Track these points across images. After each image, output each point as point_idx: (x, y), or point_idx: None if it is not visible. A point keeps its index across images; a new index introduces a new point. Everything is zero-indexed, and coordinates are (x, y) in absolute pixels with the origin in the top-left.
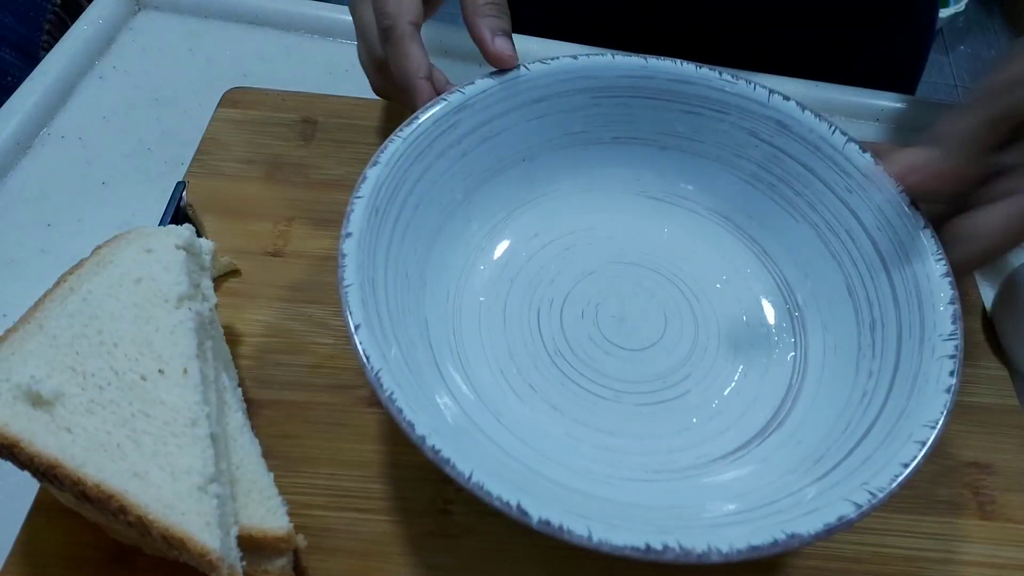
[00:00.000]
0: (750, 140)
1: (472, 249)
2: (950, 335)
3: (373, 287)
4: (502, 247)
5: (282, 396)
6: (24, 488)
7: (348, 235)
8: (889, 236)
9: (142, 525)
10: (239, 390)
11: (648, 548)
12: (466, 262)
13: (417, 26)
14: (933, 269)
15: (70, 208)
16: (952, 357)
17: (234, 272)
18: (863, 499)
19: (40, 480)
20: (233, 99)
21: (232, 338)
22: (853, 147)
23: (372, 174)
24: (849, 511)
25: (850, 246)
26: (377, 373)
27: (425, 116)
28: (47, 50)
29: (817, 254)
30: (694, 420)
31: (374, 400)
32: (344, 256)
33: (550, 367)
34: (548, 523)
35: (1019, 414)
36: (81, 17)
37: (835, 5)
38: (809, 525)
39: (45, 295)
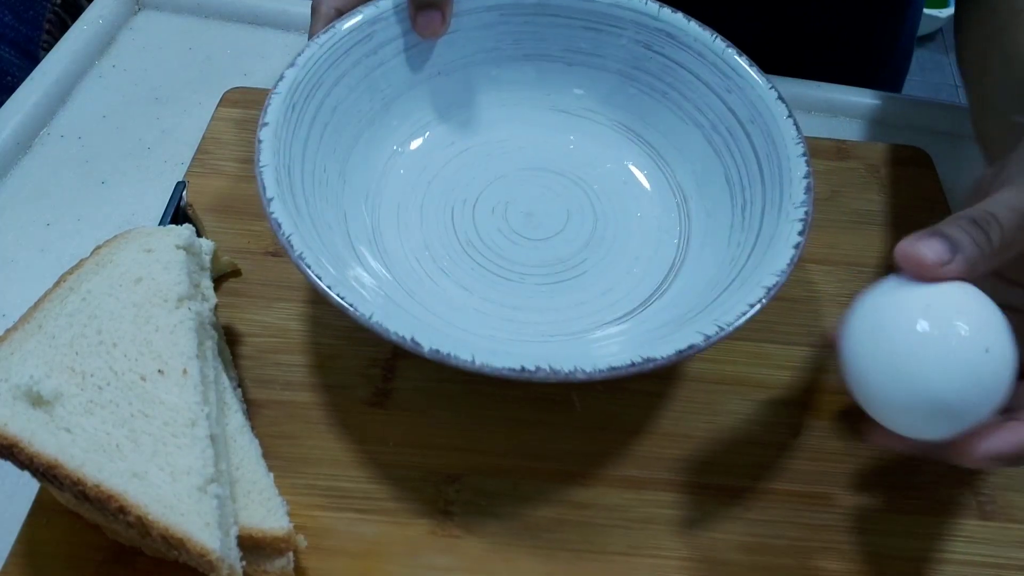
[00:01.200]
0: (645, 53)
1: (391, 154)
2: (802, 203)
3: (288, 172)
4: (420, 153)
5: (282, 396)
6: (24, 488)
7: (265, 124)
8: (760, 128)
9: (142, 525)
10: (239, 390)
11: (522, 369)
12: (386, 165)
13: (340, 11)
14: (793, 151)
15: (70, 207)
16: (802, 220)
17: (234, 272)
18: (711, 331)
19: (40, 480)
20: (233, 99)
21: (232, 338)
22: (732, 51)
23: (289, 74)
24: (698, 340)
25: (729, 141)
26: (288, 236)
27: (342, 25)
28: (47, 50)
29: (702, 152)
30: (588, 296)
31: (375, 400)
32: (260, 142)
33: (461, 255)
34: (438, 351)
35: None
36: (81, 17)
37: (830, 3)
38: (663, 350)
39: (45, 295)
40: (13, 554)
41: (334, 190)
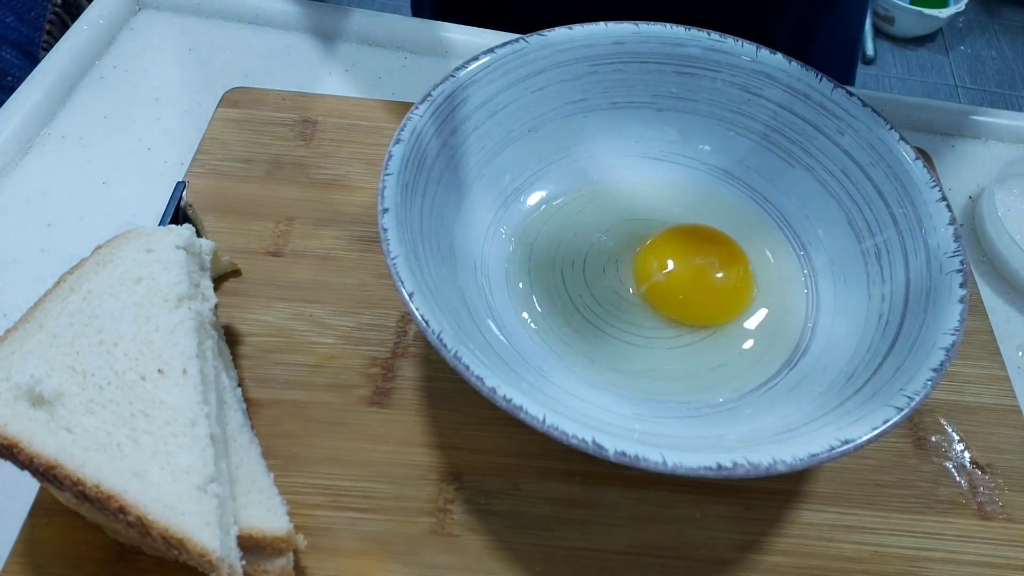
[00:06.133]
0: (742, 95)
1: (490, 222)
2: (955, 252)
3: (416, 258)
4: (518, 217)
5: (282, 396)
6: (24, 488)
7: (385, 210)
8: (884, 170)
9: (142, 525)
10: (239, 390)
11: (719, 467)
12: (487, 232)
13: None
14: (929, 195)
15: (70, 208)
16: (960, 271)
17: (234, 272)
18: (902, 403)
19: (40, 480)
20: (233, 99)
21: (232, 338)
22: (840, 92)
23: (397, 151)
24: (892, 415)
25: (847, 183)
26: (440, 335)
27: (437, 92)
28: (47, 50)
29: (815, 195)
30: (723, 358)
31: (374, 399)
32: (386, 230)
33: (582, 322)
34: (624, 454)
35: (1019, 414)
36: (81, 17)
37: None
38: (859, 431)
39: (45, 295)
40: (13, 554)
41: (450, 267)
